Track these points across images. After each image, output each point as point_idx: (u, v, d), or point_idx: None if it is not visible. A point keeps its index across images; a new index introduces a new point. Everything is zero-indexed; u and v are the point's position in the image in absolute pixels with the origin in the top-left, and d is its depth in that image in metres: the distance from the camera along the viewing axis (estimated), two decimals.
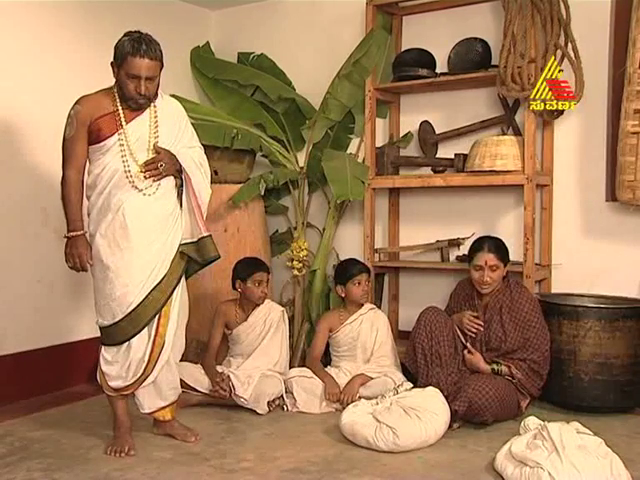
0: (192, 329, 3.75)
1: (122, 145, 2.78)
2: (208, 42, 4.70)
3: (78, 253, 2.80)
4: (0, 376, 3.51)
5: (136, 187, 2.80)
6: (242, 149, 4.09)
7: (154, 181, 2.83)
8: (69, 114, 2.79)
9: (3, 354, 3.55)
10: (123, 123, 2.79)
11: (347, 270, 3.66)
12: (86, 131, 2.77)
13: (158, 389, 2.94)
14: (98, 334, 2.93)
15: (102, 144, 2.78)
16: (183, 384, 3.26)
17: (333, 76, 4.10)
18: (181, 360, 3.12)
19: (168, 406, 3.00)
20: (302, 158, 4.37)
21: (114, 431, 2.94)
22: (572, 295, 3.65)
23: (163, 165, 2.83)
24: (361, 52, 3.96)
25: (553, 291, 3.79)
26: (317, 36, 4.50)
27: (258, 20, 4.71)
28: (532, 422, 2.69)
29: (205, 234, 2.91)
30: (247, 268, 3.60)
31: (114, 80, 2.82)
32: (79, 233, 2.81)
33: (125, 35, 2.76)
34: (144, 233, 2.80)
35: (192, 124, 3.09)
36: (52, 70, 3.78)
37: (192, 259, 2.93)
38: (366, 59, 3.99)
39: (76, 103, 2.80)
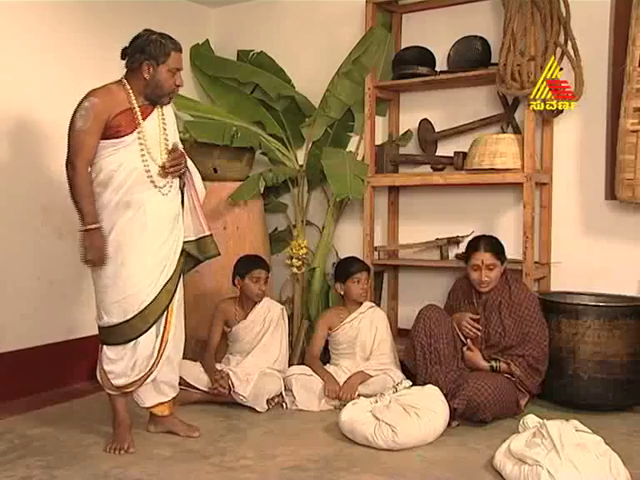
0: (191, 327, 3.75)
1: (141, 143, 2.79)
2: (207, 40, 4.69)
3: (98, 246, 2.74)
4: (0, 373, 3.52)
5: (155, 186, 2.82)
6: (241, 147, 4.08)
7: (172, 178, 2.87)
8: (82, 105, 2.72)
9: (3, 351, 3.55)
10: (140, 120, 2.80)
11: (346, 268, 3.66)
12: (102, 126, 2.73)
13: (157, 385, 2.95)
14: (97, 332, 2.92)
15: (120, 140, 2.75)
16: (182, 382, 3.26)
17: (333, 74, 4.09)
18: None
19: (167, 402, 3.01)
20: (301, 156, 4.37)
21: (114, 429, 2.94)
22: (571, 293, 3.64)
23: (183, 163, 2.88)
24: (361, 50, 3.96)
25: (552, 289, 3.79)
26: (317, 34, 4.49)
27: (258, 18, 4.70)
28: (531, 420, 2.70)
29: (208, 233, 2.98)
30: (246, 265, 3.61)
31: (122, 77, 2.82)
32: (97, 226, 2.75)
33: (150, 34, 2.77)
34: (159, 232, 2.83)
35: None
36: (51, 67, 3.77)
37: (190, 256, 2.98)
38: (366, 57, 3.99)
39: (91, 95, 2.74)
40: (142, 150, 2.78)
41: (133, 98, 2.79)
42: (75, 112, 2.74)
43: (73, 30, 3.89)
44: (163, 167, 2.82)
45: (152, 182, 2.80)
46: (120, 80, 2.83)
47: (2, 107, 3.55)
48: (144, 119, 2.80)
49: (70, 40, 3.87)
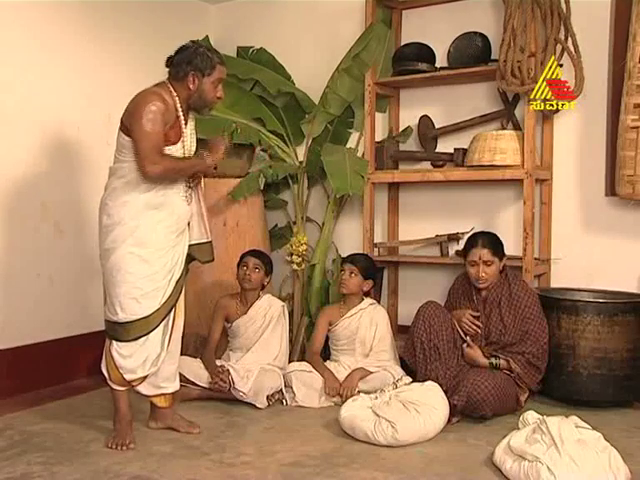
0: (192, 323, 3.76)
1: (184, 154, 2.86)
2: (207, 36, 4.68)
3: (217, 145, 2.92)
4: (0, 370, 3.52)
5: (186, 192, 2.91)
6: (241, 143, 4.08)
7: (196, 185, 2.98)
8: (149, 109, 2.70)
9: (3, 348, 3.55)
10: (184, 130, 2.86)
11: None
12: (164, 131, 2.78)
13: (158, 377, 2.96)
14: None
15: (167, 149, 2.79)
16: (182, 378, 3.26)
17: (333, 70, 4.09)
18: (180, 354, 3.13)
19: (168, 394, 3.03)
20: (301, 152, 4.37)
21: (115, 424, 2.94)
22: (571, 290, 3.65)
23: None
24: (361, 46, 3.96)
25: (552, 286, 3.80)
26: (317, 30, 4.49)
27: (257, 14, 4.70)
28: (531, 416, 2.70)
29: (210, 239, 3.08)
30: (240, 256, 3.70)
31: (171, 84, 2.83)
32: (201, 153, 2.89)
33: (198, 46, 2.82)
34: (178, 235, 2.91)
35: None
36: (51, 64, 3.76)
37: (189, 257, 3.05)
38: (366, 53, 3.99)
39: (155, 100, 2.72)
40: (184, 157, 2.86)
41: (179, 105, 2.83)
42: (139, 117, 2.70)
43: (74, 27, 3.87)
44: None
45: (186, 190, 2.90)
46: (166, 86, 2.83)
47: (1, 105, 3.54)
48: (185, 128, 2.87)
49: (71, 37, 3.86)
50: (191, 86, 2.82)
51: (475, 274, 3.34)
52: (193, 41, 2.88)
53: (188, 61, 2.80)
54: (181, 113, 2.84)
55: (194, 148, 2.95)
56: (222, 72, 2.88)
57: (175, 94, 2.82)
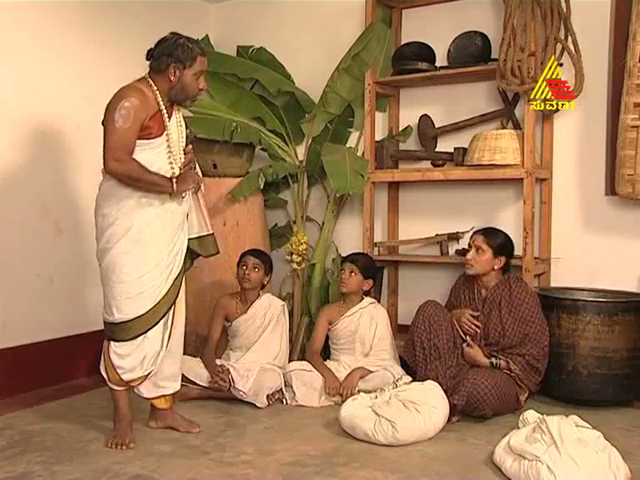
0: (191, 322, 3.76)
1: (168, 145, 2.83)
2: (207, 35, 4.69)
3: (190, 179, 2.84)
4: (0, 369, 3.52)
5: None
6: (241, 143, 4.08)
7: None
8: (122, 105, 2.69)
9: (3, 347, 3.55)
10: (167, 123, 2.82)
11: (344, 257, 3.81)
12: (140, 126, 2.73)
13: (159, 378, 2.96)
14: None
15: (149, 142, 2.77)
16: (182, 378, 3.25)
17: (333, 69, 4.09)
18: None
19: (168, 395, 3.03)
20: (301, 152, 4.37)
21: (115, 424, 2.94)
22: (571, 289, 3.65)
23: (194, 166, 2.94)
24: (361, 45, 3.96)
25: (552, 285, 3.79)
26: (317, 29, 4.49)
27: (257, 13, 4.69)
28: (531, 416, 2.70)
29: (210, 232, 3.05)
30: (240, 255, 3.70)
31: (147, 77, 2.81)
32: (171, 176, 2.80)
33: (178, 37, 2.79)
34: (175, 230, 2.88)
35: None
36: (50, 64, 3.77)
37: (190, 252, 3.02)
38: (366, 52, 3.99)
39: (129, 95, 2.72)
40: (168, 152, 2.83)
41: (159, 98, 2.80)
42: (112, 111, 2.70)
43: (74, 27, 3.87)
44: (180, 168, 2.86)
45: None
46: (146, 80, 2.82)
47: (1, 104, 3.54)
48: (168, 120, 2.84)
49: (71, 37, 3.86)
50: (172, 78, 2.79)
51: (465, 256, 3.37)
52: (173, 32, 2.84)
53: (168, 53, 2.77)
54: (163, 106, 2.80)
55: (183, 141, 2.91)
56: (203, 63, 2.84)
57: (155, 87, 2.80)
